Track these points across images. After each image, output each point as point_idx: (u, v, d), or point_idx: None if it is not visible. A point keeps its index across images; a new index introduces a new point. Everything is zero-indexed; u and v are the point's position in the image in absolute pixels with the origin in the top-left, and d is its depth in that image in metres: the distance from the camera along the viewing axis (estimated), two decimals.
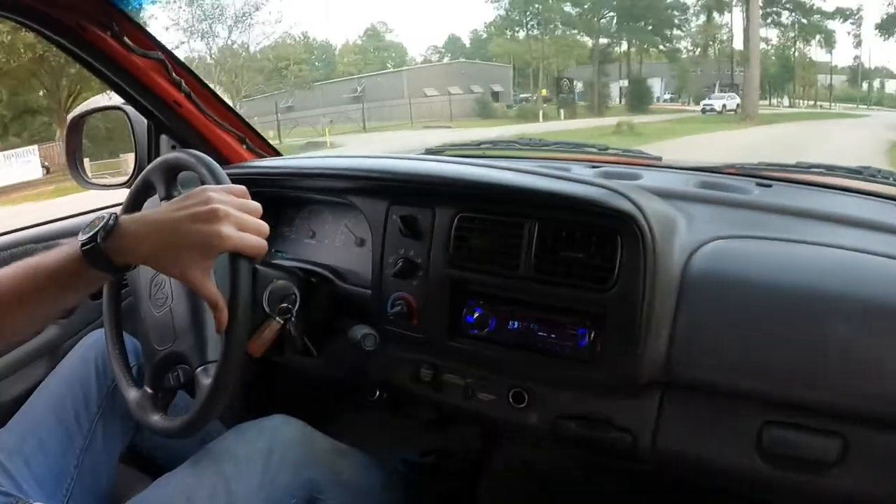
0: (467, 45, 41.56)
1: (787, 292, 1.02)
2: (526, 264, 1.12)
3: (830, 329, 0.98)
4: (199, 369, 1.07)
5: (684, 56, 39.47)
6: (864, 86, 40.17)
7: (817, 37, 37.88)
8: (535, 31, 39.83)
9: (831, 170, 1.42)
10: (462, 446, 1.64)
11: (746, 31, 29.55)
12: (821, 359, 0.99)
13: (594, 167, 1.49)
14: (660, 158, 1.61)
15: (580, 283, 1.08)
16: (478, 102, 35.07)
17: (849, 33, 38.84)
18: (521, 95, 39.92)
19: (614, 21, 38.98)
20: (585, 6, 38.46)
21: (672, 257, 1.07)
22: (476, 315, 1.17)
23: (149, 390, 1.12)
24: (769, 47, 38.31)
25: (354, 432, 1.44)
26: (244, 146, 1.64)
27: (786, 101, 38.02)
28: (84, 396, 1.20)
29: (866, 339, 0.98)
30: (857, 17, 36.98)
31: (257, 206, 0.94)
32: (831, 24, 37.67)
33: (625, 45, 40.13)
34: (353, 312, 1.30)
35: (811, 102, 38.26)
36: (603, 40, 39.37)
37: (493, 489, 1.62)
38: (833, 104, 37.64)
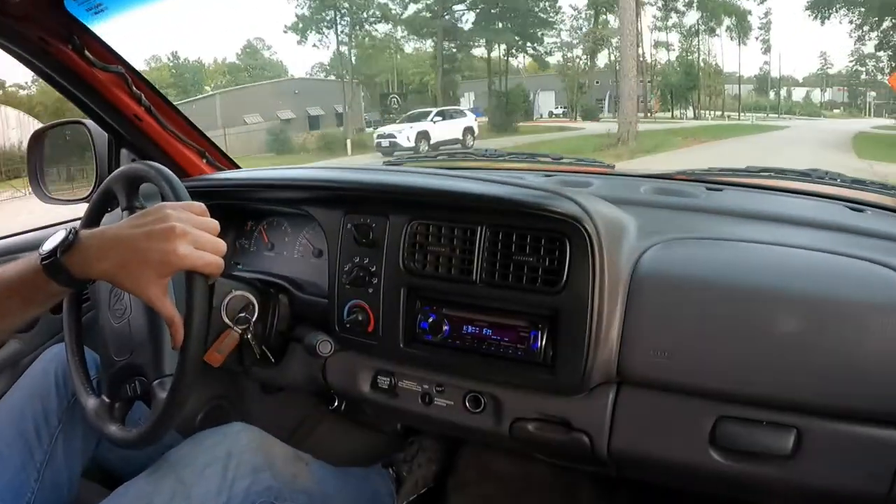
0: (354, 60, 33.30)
1: (735, 290, 1.05)
2: (478, 270, 1.13)
3: (780, 324, 1.01)
4: (155, 382, 1.08)
5: (568, 64, 35.79)
6: (772, 94, 38.31)
7: (726, 23, 34.54)
8: (344, 36, 32.99)
9: (781, 173, 1.46)
10: (425, 457, 1.64)
11: (619, 31, 25.37)
12: (771, 354, 1.02)
13: (548, 176, 1.52)
14: (612, 167, 1.64)
15: (531, 286, 1.10)
16: (269, 133, 26.64)
17: (757, 38, 35.94)
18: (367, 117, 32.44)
19: (468, 22, 32.75)
20: (424, 3, 31.99)
21: (621, 259, 1.10)
22: (430, 321, 1.18)
23: (106, 399, 1.12)
24: (669, 52, 36.33)
25: (320, 444, 1.46)
26: (204, 160, 1.64)
27: (690, 113, 35.27)
28: (44, 410, 1.19)
29: (815, 333, 1.00)
30: (765, 21, 35.18)
31: (215, 223, 0.95)
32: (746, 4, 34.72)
33: (504, 50, 34.58)
34: (311, 322, 1.32)
35: (718, 112, 36.03)
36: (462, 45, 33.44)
37: (460, 499, 1.62)
38: (743, 114, 35.67)
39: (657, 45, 36.02)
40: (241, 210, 1.50)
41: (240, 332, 1.21)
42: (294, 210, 1.37)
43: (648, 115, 33.01)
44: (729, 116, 34.97)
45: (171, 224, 0.89)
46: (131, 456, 1.20)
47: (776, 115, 35.52)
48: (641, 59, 32.58)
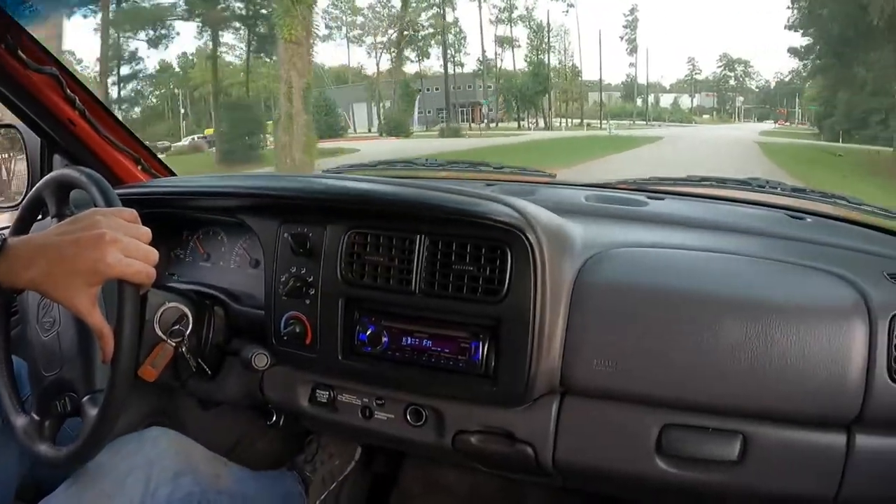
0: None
1: (677, 298, 1.05)
2: (417, 280, 1.11)
3: (721, 332, 1.01)
4: (86, 398, 1.03)
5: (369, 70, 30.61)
6: (640, 101, 35.94)
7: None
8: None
9: (722, 182, 1.47)
10: (325, 453, 1.62)
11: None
12: (714, 361, 1.01)
13: (490, 185, 1.51)
14: (554, 176, 1.64)
15: (472, 296, 1.08)
16: None
17: (622, 37, 33.36)
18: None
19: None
20: None
21: (563, 268, 1.09)
22: (369, 332, 1.15)
23: (36, 417, 1.06)
24: (514, 50, 31.87)
25: (255, 455, 1.44)
26: (139, 166, 1.59)
27: (543, 122, 31.68)
28: None
29: (758, 339, 1.00)
30: (632, 19, 32.76)
31: (147, 231, 0.91)
32: None
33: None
34: (248, 335, 1.28)
35: (577, 121, 32.83)
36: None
37: None
38: (606, 121, 32.81)
39: (501, 41, 31.74)
40: (176, 219, 1.45)
41: (174, 345, 1.17)
42: (230, 219, 1.33)
43: (490, 125, 30.91)
44: (589, 125, 32.34)
45: (101, 231, 0.85)
46: (69, 475, 1.13)
47: (644, 122, 34.03)
48: (482, 58, 31.01)
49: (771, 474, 1.05)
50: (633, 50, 33.58)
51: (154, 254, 0.90)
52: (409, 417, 1.18)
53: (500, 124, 31.28)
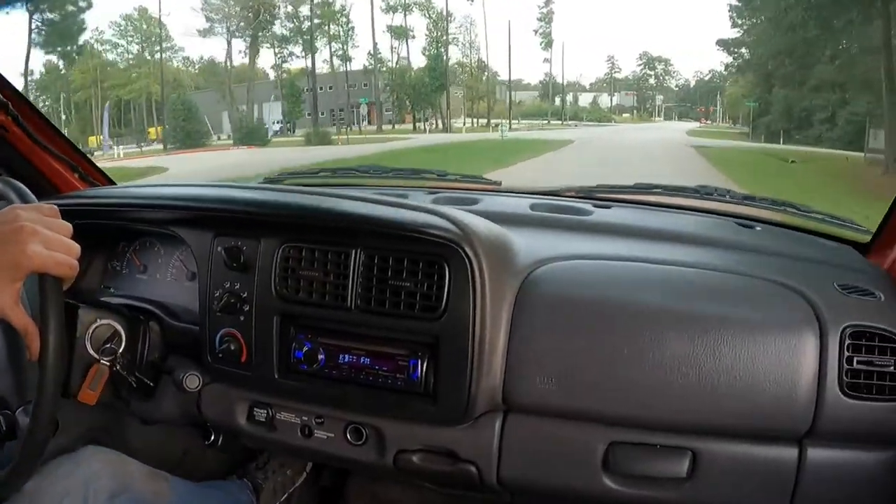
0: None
1: (623, 311, 1.03)
2: (353, 295, 1.08)
3: (667, 346, 1.00)
4: (19, 410, 0.99)
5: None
6: (557, 100, 33.57)
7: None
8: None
9: (670, 190, 1.46)
10: (277, 462, 1.59)
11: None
12: (660, 377, 1.00)
13: (432, 193, 1.48)
14: (499, 183, 1.62)
15: (409, 312, 1.05)
16: None
17: (536, 31, 30.78)
18: None
19: None
20: None
21: (504, 282, 1.06)
22: (305, 350, 1.12)
23: None
24: (408, 42, 28.19)
25: (206, 464, 1.41)
26: (76, 174, 1.53)
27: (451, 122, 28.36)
28: None
29: (704, 354, 0.99)
30: (546, 11, 30.29)
31: (67, 225, 0.89)
32: None
33: None
34: (183, 351, 1.24)
35: (483, 121, 29.61)
36: None
37: None
38: (517, 120, 30.14)
39: (395, 32, 28.10)
40: (113, 230, 1.40)
41: (108, 363, 1.13)
42: (165, 231, 1.29)
43: (382, 127, 27.66)
44: (495, 126, 28.75)
45: (21, 223, 0.83)
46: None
47: (560, 122, 31.25)
48: (372, 51, 27.79)
49: (721, 490, 1.05)
50: (548, 45, 31.49)
51: (76, 247, 0.88)
52: (349, 436, 1.16)
53: (396, 126, 28.35)
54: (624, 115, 34.50)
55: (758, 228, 1.35)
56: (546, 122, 31.62)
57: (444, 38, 28.61)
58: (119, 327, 1.16)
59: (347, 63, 28.19)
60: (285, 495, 1.56)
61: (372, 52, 28.61)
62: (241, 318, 1.15)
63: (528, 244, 1.16)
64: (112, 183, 1.60)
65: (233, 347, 1.16)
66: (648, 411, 1.03)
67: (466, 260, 1.02)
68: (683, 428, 1.04)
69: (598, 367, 1.03)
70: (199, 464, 1.54)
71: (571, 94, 34.60)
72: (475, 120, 30.20)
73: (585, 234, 1.28)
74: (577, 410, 1.05)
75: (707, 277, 1.10)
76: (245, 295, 1.15)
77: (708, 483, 1.04)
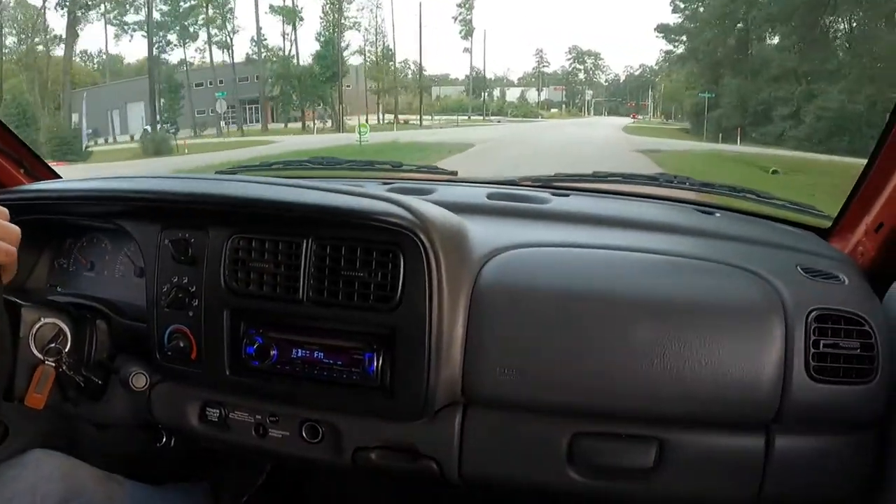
0: None
1: (581, 300, 1.02)
2: (305, 287, 1.04)
3: (630, 334, 0.98)
4: None
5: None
6: (485, 96, 31.60)
7: None
8: None
9: (628, 178, 1.45)
10: (235, 462, 1.52)
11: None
12: (624, 365, 0.98)
13: (387, 184, 1.45)
14: (455, 173, 1.60)
15: (363, 304, 1.02)
16: None
17: (455, 18, 28.42)
18: None
19: None
20: None
21: (461, 271, 1.04)
22: (257, 345, 1.07)
23: None
24: (295, 27, 24.01)
25: (164, 466, 1.34)
26: (21, 169, 1.48)
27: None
28: None
29: (668, 341, 0.98)
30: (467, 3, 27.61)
31: (4, 210, 0.87)
32: None
33: None
34: (132, 350, 1.18)
35: (389, 118, 26.22)
36: None
37: None
38: (430, 117, 27.65)
39: (278, 12, 23.83)
40: (58, 226, 1.34)
41: (53, 364, 1.09)
42: (110, 224, 1.22)
43: (263, 128, 23.57)
44: (407, 122, 26.02)
45: None
46: None
47: (481, 118, 29.03)
48: (255, 37, 23.77)
49: (689, 480, 1.04)
50: (468, 33, 28.78)
51: (14, 230, 0.87)
52: (304, 434, 1.11)
53: (289, 125, 24.25)
54: (552, 110, 33.46)
55: (717, 214, 1.35)
56: (466, 118, 29.19)
57: (336, 18, 24.54)
58: (64, 326, 1.12)
59: (228, 51, 23.84)
60: (245, 497, 1.52)
61: (256, 37, 24.31)
62: (190, 314, 1.11)
63: (485, 233, 1.14)
64: (58, 177, 1.55)
65: (182, 344, 1.11)
66: (612, 401, 1.02)
67: (422, 248, 0.99)
68: (649, 417, 1.03)
69: (558, 356, 1.01)
70: (157, 465, 1.46)
71: (499, 89, 33.34)
72: (381, 117, 26.33)
73: (543, 223, 1.26)
74: (538, 402, 1.03)
75: (669, 263, 1.09)
76: (194, 289, 1.11)
77: (675, 473, 1.04)
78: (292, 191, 1.09)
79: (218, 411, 1.15)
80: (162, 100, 22.34)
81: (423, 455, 1.08)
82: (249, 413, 1.14)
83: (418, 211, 1.02)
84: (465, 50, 30.80)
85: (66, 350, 1.12)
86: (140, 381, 1.14)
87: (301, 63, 24.40)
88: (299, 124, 24.30)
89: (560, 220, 1.27)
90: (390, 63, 27.01)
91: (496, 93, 32.87)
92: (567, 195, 1.40)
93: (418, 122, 26.06)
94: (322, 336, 1.06)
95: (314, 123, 23.99)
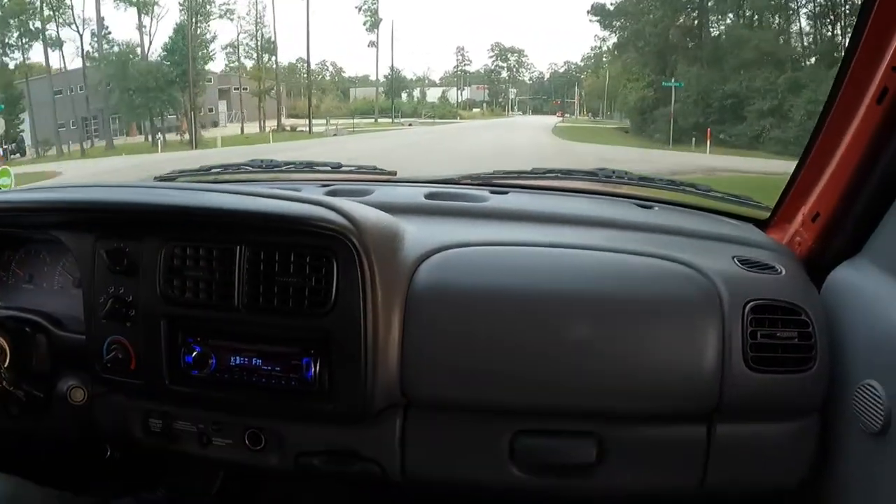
0: None
1: (517, 298, 1.02)
2: (240, 294, 1.04)
3: (566, 331, 0.99)
4: None
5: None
6: (405, 96, 30.75)
7: None
8: None
9: (567, 174, 1.46)
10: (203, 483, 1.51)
11: None
12: (561, 363, 1.00)
13: (326, 186, 1.46)
14: (395, 173, 1.61)
15: (298, 309, 1.02)
16: None
17: (359, 8, 25.16)
18: None
19: None
20: None
21: (395, 272, 1.04)
22: (195, 354, 1.07)
23: None
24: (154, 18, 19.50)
25: (105, 483, 1.32)
26: None
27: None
28: None
29: (604, 337, 0.99)
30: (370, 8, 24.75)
31: None
32: None
33: None
34: (72, 362, 1.18)
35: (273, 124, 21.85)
36: None
37: None
38: (325, 121, 22.98)
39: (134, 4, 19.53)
40: None
41: None
42: (46, 236, 1.22)
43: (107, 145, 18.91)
44: (294, 129, 22.33)
45: None
46: None
47: (390, 121, 26.48)
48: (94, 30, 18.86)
49: (632, 473, 1.06)
50: (373, 25, 25.40)
51: None
52: (248, 441, 1.11)
53: (128, 140, 19.44)
54: (474, 109, 31.47)
55: (656, 208, 1.36)
56: (373, 121, 26.50)
57: (193, 2, 19.72)
58: (2, 341, 1.12)
59: (57, 50, 19.00)
60: None
61: (97, 31, 19.21)
62: (128, 325, 1.11)
63: (420, 233, 1.14)
64: None
65: (121, 356, 1.11)
66: (552, 398, 1.03)
67: (354, 251, 1.00)
68: (589, 413, 1.04)
69: (495, 356, 1.02)
70: (111, 478, 1.44)
71: (419, 89, 31.03)
72: (262, 124, 22.13)
73: (481, 221, 1.26)
74: (477, 402, 1.04)
75: (605, 259, 1.10)
76: (130, 299, 1.10)
77: (617, 467, 1.05)
78: (225, 197, 1.08)
79: (160, 421, 1.14)
80: None
81: (365, 458, 1.08)
82: (192, 422, 1.13)
83: (350, 214, 1.02)
84: (371, 44, 27.44)
85: (6, 365, 1.11)
86: (78, 395, 1.14)
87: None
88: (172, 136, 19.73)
89: (498, 217, 1.27)
90: (270, 58, 22.45)
91: (416, 93, 30.81)
92: (506, 192, 1.40)
93: (307, 130, 22.12)
94: (259, 343, 1.06)
95: (160, 138, 19.16)
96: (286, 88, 23.43)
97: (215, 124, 22.12)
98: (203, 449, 1.13)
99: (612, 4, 19.95)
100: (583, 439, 1.04)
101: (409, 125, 25.47)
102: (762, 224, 1.32)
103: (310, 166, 1.65)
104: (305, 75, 24.32)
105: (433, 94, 30.73)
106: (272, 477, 1.45)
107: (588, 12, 20.87)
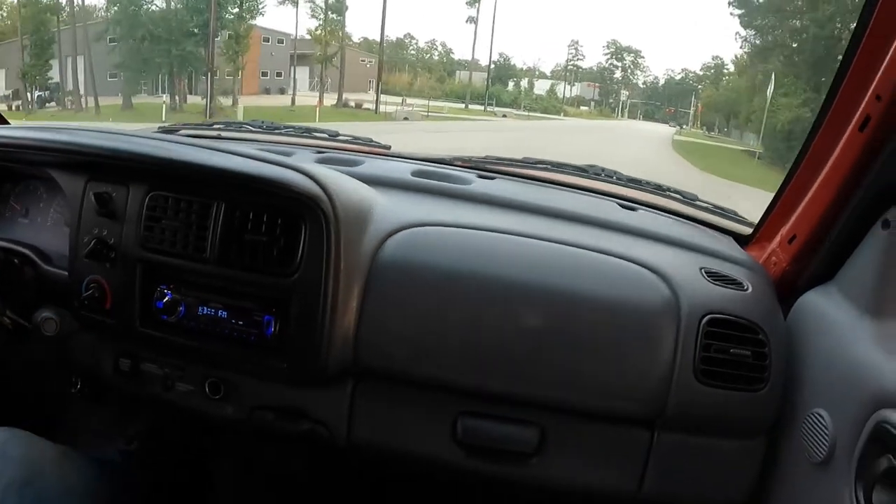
0: None
1: (478, 281, 1.04)
2: (212, 247, 1.07)
3: (525, 319, 1.01)
4: None
5: None
6: (511, 85, 29.28)
7: None
8: None
9: (558, 167, 1.47)
10: (172, 434, 1.55)
11: None
12: (514, 350, 1.02)
13: (320, 153, 1.48)
14: (389, 147, 1.63)
15: (264, 267, 1.05)
16: None
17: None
18: None
19: None
20: None
21: (361, 244, 1.06)
22: (166, 300, 1.11)
23: None
24: None
25: (56, 425, 1.35)
26: None
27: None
28: None
29: (559, 331, 1.01)
30: None
31: None
32: None
33: None
34: (52, 297, 1.22)
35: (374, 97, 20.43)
36: None
37: (220, 486, 1.58)
38: (403, 101, 21.05)
39: None
40: None
41: None
42: (43, 174, 1.26)
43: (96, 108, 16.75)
44: (359, 106, 19.85)
45: None
46: None
47: (483, 108, 23.75)
48: None
49: (570, 467, 1.08)
50: (469, 20, 25.49)
51: None
52: (208, 390, 1.16)
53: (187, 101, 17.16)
54: (582, 108, 30.22)
55: (640, 211, 1.36)
56: (463, 107, 25.04)
57: None
58: None
59: None
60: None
61: None
62: (107, 265, 1.15)
63: (396, 208, 1.16)
64: (5, 122, 1.55)
65: (97, 294, 1.15)
66: (499, 383, 1.04)
67: (323, 218, 1.02)
68: (533, 402, 1.06)
69: (450, 336, 1.04)
70: (81, 421, 1.48)
71: (527, 79, 30.10)
72: (321, 95, 19.65)
73: (461, 203, 1.27)
74: (427, 377, 1.06)
75: (573, 255, 1.11)
76: (112, 241, 1.14)
77: (556, 460, 1.07)
78: (211, 154, 1.11)
79: (129, 361, 1.18)
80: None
81: (313, 419, 1.12)
82: (159, 366, 1.18)
83: (325, 183, 1.04)
84: (470, 20, 26.69)
85: None
86: (50, 326, 1.17)
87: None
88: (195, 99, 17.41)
89: (478, 202, 1.28)
90: (338, 20, 19.94)
91: (524, 83, 29.74)
92: (493, 178, 1.42)
93: (373, 109, 20.15)
94: (226, 296, 1.09)
95: (178, 100, 16.74)
96: (327, 53, 20.27)
97: (282, 91, 20.41)
98: (167, 392, 1.18)
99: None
100: (525, 427, 1.06)
101: (504, 116, 23.96)
102: (743, 240, 1.32)
103: (308, 132, 1.69)
104: (404, 51, 22.79)
105: (542, 86, 29.68)
106: (233, 432, 1.50)
107: (730, 3, 18.19)
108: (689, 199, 1.41)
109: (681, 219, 1.37)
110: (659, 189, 1.43)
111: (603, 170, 1.46)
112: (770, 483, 1.07)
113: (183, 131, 1.64)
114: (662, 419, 1.03)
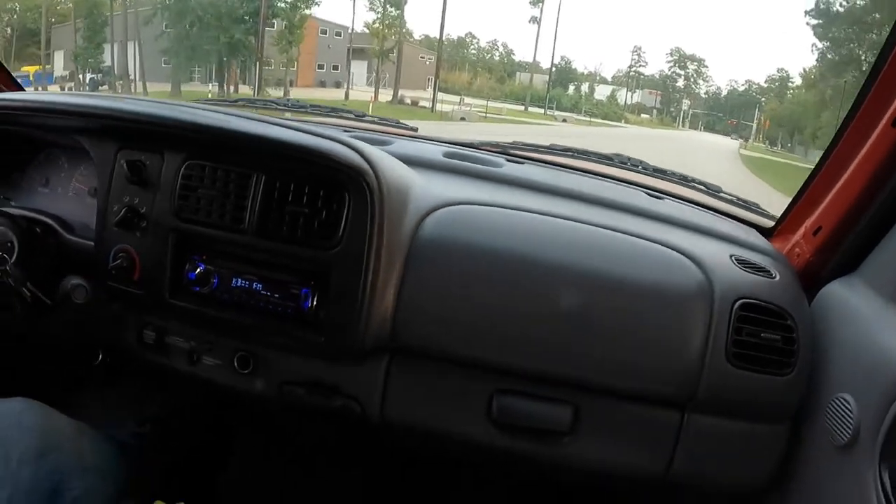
0: None
1: (519, 261, 1.04)
2: (250, 218, 1.06)
3: (563, 299, 1.01)
4: None
5: None
6: (571, 89, 29.55)
7: None
8: None
9: (584, 154, 1.48)
10: (187, 415, 1.54)
11: None
12: (550, 329, 1.02)
13: (347, 131, 1.44)
14: (416, 129, 1.62)
15: (305, 239, 1.04)
16: None
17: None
18: None
19: None
20: None
21: (403, 219, 1.06)
22: (199, 271, 1.10)
23: None
24: None
25: (71, 404, 1.28)
26: None
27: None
28: None
29: (595, 311, 1.01)
30: None
31: None
32: None
33: None
34: (77, 267, 1.20)
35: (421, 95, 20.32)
36: None
37: (243, 462, 1.57)
38: (459, 101, 20.77)
39: None
40: (16, 138, 1.32)
41: None
42: (68, 141, 1.23)
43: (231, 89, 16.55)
44: (416, 104, 18.82)
45: None
46: None
47: (543, 111, 23.40)
48: None
49: (601, 447, 1.08)
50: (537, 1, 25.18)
51: None
52: (237, 364, 1.14)
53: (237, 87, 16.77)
54: (643, 115, 29.95)
55: (666, 200, 1.37)
56: (523, 109, 24.50)
57: None
58: (13, 236, 1.14)
59: None
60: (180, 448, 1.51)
61: None
62: (137, 235, 1.13)
63: (433, 187, 1.16)
64: (21, 89, 1.53)
65: (125, 265, 1.12)
66: (535, 362, 1.05)
67: (368, 191, 1.01)
68: (568, 382, 1.06)
69: (488, 314, 1.03)
70: (93, 402, 1.44)
71: (588, 83, 30.16)
72: (375, 91, 19.16)
73: (493, 185, 1.28)
74: (463, 355, 1.06)
75: (607, 236, 1.12)
76: (143, 210, 1.12)
77: (588, 439, 1.08)
78: (252, 123, 1.09)
79: (154, 334, 1.16)
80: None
81: (346, 394, 1.10)
82: (185, 339, 1.15)
83: (370, 157, 1.03)
84: (532, 20, 26.76)
85: (13, 260, 1.12)
86: (80, 293, 1.16)
87: None
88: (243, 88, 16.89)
89: (510, 184, 1.28)
90: (397, 13, 19.46)
91: (584, 88, 29.84)
92: (522, 163, 1.42)
93: (429, 107, 19.76)
94: (262, 268, 1.08)
95: (228, 89, 16.17)
96: (384, 48, 20.00)
97: (338, 85, 20.41)
98: (192, 366, 1.16)
99: (841, 6, 15.57)
100: (559, 406, 1.06)
101: (564, 121, 23.38)
102: (766, 232, 1.33)
103: (335, 111, 1.68)
104: (464, 50, 22.81)
105: (602, 92, 29.55)
106: (246, 406, 1.48)
107: (807, 13, 17.86)
108: (713, 191, 1.42)
109: (705, 209, 1.39)
110: (684, 180, 1.45)
111: (629, 159, 1.47)
112: (794, 465, 1.08)
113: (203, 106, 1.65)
114: (694, 401, 1.04)
